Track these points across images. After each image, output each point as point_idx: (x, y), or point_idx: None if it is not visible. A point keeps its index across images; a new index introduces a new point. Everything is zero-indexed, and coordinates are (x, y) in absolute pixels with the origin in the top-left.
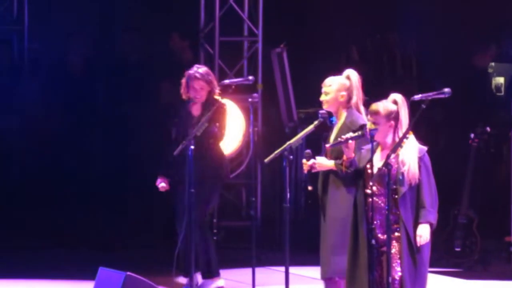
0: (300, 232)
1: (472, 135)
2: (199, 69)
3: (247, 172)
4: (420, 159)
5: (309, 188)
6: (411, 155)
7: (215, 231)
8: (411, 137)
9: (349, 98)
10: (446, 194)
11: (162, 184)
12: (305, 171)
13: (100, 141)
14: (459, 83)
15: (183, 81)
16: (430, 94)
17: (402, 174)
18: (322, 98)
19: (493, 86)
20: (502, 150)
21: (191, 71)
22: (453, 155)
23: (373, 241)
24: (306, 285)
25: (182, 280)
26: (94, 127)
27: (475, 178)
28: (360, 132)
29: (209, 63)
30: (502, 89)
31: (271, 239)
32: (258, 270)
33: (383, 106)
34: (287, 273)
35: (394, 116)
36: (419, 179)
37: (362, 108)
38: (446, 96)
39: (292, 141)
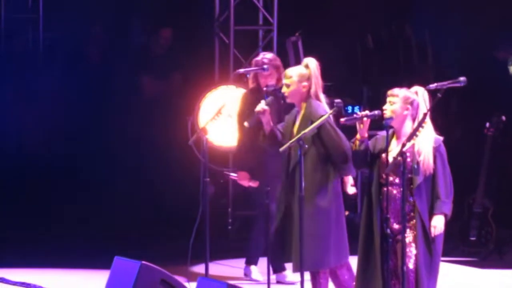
0: None
1: (487, 125)
2: (266, 55)
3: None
4: (436, 149)
5: None
6: (426, 145)
7: (229, 220)
8: (428, 126)
9: (310, 88)
10: (462, 183)
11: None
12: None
13: (117, 130)
14: (474, 71)
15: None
16: (445, 83)
17: (417, 163)
18: (284, 90)
19: (511, 74)
20: None
21: (258, 58)
22: (468, 144)
23: (388, 231)
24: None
25: (198, 269)
26: (110, 117)
27: (490, 168)
28: (376, 112)
29: (224, 52)
30: None
31: None
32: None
33: (404, 90)
34: (301, 263)
35: (410, 102)
36: (434, 170)
37: (322, 96)
38: (462, 85)
39: (306, 130)
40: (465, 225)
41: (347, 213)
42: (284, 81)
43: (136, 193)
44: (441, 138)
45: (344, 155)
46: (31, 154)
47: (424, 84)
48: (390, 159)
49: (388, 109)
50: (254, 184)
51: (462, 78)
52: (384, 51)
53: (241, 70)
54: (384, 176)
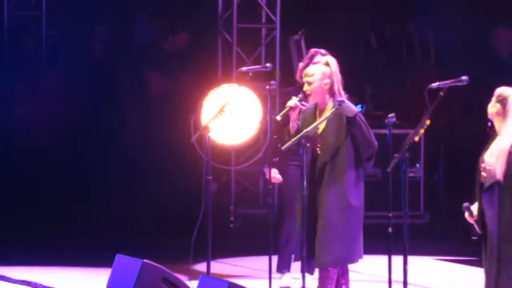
0: None
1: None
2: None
3: (265, 160)
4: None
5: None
6: (502, 146)
7: (232, 218)
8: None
9: (332, 85)
10: (465, 182)
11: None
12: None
13: (119, 128)
14: (477, 70)
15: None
16: (448, 82)
17: None
18: (306, 88)
19: None
20: None
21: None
22: (470, 143)
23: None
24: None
25: (200, 267)
26: (113, 115)
27: None
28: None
29: (227, 50)
30: None
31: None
32: (275, 258)
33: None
34: (303, 261)
35: (500, 100)
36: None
37: (343, 93)
38: (464, 83)
39: (309, 128)
40: (467, 224)
41: None
42: (306, 79)
43: (139, 191)
44: None
45: (372, 151)
46: (33, 152)
47: (426, 83)
48: (490, 160)
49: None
50: (278, 180)
51: (464, 77)
52: (387, 50)
53: (244, 68)
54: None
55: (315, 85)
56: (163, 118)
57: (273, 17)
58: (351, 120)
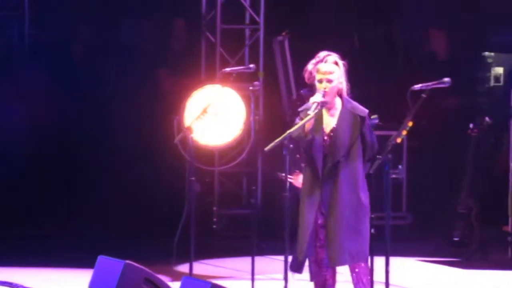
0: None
1: (471, 125)
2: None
3: (248, 161)
4: None
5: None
6: None
7: (215, 219)
8: None
9: (342, 84)
10: (445, 183)
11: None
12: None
13: (102, 128)
14: (459, 73)
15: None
16: (430, 83)
17: None
18: (326, 86)
19: (492, 76)
20: (502, 140)
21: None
22: (452, 145)
23: None
24: (305, 274)
25: (183, 268)
26: (95, 115)
27: (474, 168)
28: None
29: (211, 51)
30: (502, 79)
31: (271, 227)
32: (258, 259)
33: None
34: (286, 262)
35: None
36: None
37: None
38: (446, 85)
39: (292, 129)
40: (449, 225)
41: None
42: (326, 76)
43: (122, 192)
44: None
45: (373, 153)
46: (15, 152)
47: (409, 84)
48: None
49: None
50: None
51: (446, 79)
52: (370, 52)
53: (228, 69)
54: None
55: (334, 83)
56: (146, 119)
57: (256, 18)
58: (363, 120)
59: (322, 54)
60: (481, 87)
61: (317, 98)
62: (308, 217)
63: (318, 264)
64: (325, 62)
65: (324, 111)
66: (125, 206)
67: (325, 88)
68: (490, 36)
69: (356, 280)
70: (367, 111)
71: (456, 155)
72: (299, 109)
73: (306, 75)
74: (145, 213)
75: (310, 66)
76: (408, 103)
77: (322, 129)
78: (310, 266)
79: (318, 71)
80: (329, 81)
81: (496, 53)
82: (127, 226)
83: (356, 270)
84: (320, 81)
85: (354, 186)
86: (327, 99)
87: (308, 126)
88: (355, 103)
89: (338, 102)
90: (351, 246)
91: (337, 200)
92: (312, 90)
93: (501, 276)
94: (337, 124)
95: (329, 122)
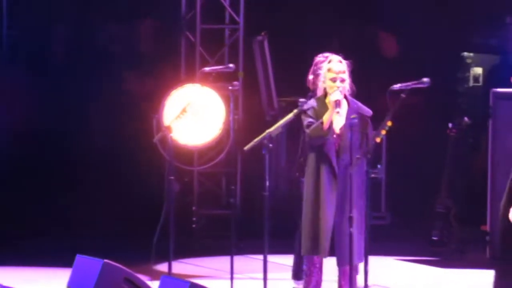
0: (280, 221)
1: (450, 125)
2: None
3: (227, 160)
4: None
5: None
6: None
7: (194, 219)
8: None
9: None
10: (424, 183)
11: None
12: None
13: (80, 128)
14: (438, 73)
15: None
16: (409, 83)
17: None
18: (340, 85)
19: (471, 76)
20: (480, 140)
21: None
22: (431, 145)
23: None
24: (284, 273)
25: (162, 268)
26: (73, 115)
27: (453, 168)
28: None
29: (190, 50)
30: (481, 79)
31: (251, 227)
32: (237, 258)
33: None
34: (265, 261)
35: None
36: None
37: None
38: (425, 85)
39: (271, 129)
40: (428, 225)
41: None
42: (341, 76)
43: (101, 191)
44: None
45: (370, 152)
46: None
47: (388, 84)
48: None
49: None
50: None
51: (425, 79)
52: (349, 52)
53: (207, 69)
54: None
55: (347, 82)
56: (125, 118)
57: (236, 18)
58: (368, 120)
59: (330, 55)
60: (460, 87)
61: (337, 96)
62: (329, 214)
63: (318, 263)
64: (339, 62)
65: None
66: (103, 205)
67: (339, 87)
68: (470, 36)
69: (344, 281)
70: (371, 112)
71: (435, 155)
72: (304, 108)
73: (311, 81)
74: (124, 213)
75: (313, 74)
76: (387, 103)
77: (333, 128)
78: (309, 266)
79: (330, 70)
80: (342, 80)
81: (475, 54)
82: (107, 226)
83: (346, 270)
84: (334, 80)
85: (362, 186)
86: (340, 97)
87: (326, 125)
88: (360, 103)
89: (344, 101)
90: (359, 246)
91: (349, 200)
92: (315, 94)
93: (479, 276)
94: (346, 124)
95: (338, 121)
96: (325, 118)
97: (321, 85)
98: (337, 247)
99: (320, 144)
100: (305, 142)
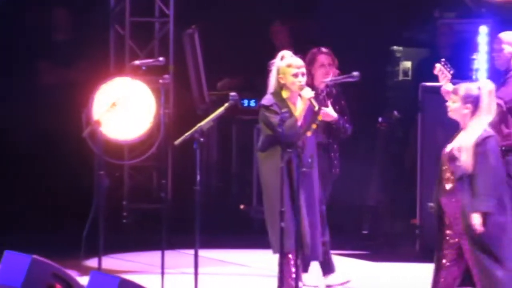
0: (211, 215)
1: (380, 119)
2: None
3: (158, 155)
4: (477, 145)
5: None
6: (467, 141)
7: (124, 213)
8: (479, 121)
9: None
10: (355, 177)
11: None
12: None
13: (9, 121)
14: (368, 66)
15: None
16: (340, 77)
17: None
18: (301, 79)
19: (401, 70)
20: (410, 134)
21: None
22: (361, 138)
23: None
24: (215, 268)
25: (91, 263)
26: (2, 106)
27: (383, 162)
28: None
29: (119, 43)
30: (410, 73)
31: (182, 221)
32: (168, 253)
33: (465, 87)
34: (196, 256)
35: (471, 100)
36: (474, 167)
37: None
38: (355, 79)
39: (202, 123)
40: (357, 218)
41: (242, 206)
42: (301, 70)
43: (30, 186)
44: (488, 133)
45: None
46: None
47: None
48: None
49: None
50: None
51: (355, 73)
52: (281, 47)
53: (137, 62)
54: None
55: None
56: (53, 111)
57: (166, 11)
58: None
59: (286, 52)
60: (390, 81)
61: (310, 93)
62: (293, 212)
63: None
64: (295, 56)
65: (290, 104)
66: (32, 200)
67: (300, 82)
68: (399, 30)
69: (297, 274)
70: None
71: (365, 148)
72: (267, 104)
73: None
74: (53, 208)
75: (276, 67)
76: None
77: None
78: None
79: (291, 66)
80: (303, 74)
81: (404, 48)
82: (35, 220)
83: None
84: (296, 75)
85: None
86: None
87: (300, 120)
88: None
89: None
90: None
91: (314, 194)
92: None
93: (409, 269)
94: (314, 118)
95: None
96: (299, 115)
97: (276, 81)
98: (310, 242)
99: (293, 140)
100: (268, 136)
